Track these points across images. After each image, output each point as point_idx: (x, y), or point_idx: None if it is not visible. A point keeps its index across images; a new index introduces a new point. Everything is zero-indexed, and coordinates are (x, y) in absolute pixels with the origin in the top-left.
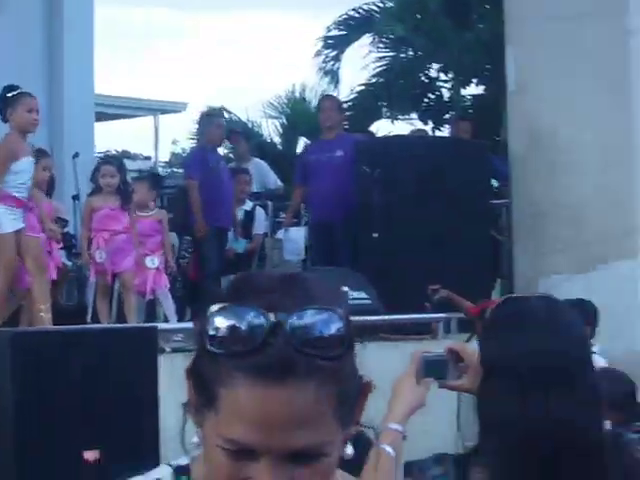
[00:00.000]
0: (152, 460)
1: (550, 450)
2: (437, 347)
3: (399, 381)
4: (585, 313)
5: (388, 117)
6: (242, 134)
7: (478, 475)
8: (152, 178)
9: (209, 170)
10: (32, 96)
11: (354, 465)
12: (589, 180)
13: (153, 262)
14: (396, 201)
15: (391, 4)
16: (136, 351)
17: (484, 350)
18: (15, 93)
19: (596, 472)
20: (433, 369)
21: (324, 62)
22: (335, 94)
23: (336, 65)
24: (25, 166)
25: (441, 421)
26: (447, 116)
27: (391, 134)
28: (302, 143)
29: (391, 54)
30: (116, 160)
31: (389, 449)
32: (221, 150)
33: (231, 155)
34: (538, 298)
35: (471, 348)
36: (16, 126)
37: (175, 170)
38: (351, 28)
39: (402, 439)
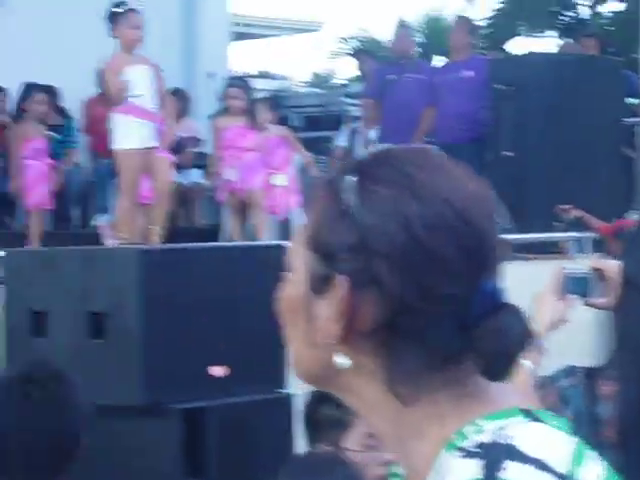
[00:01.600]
0: (278, 378)
1: None
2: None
3: (540, 297)
4: None
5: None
6: (369, 53)
7: (607, 388)
8: (272, 100)
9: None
10: (137, 12)
11: None
12: None
13: (280, 179)
14: (528, 120)
15: None
16: (262, 269)
17: (625, 266)
18: (121, 10)
19: None
20: (575, 286)
21: None
22: (470, 14)
23: None
24: (132, 76)
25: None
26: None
27: (526, 52)
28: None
29: None
30: (242, 81)
31: (528, 363)
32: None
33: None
34: None
35: (614, 265)
36: (121, 42)
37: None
38: None
39: (541, 353)
